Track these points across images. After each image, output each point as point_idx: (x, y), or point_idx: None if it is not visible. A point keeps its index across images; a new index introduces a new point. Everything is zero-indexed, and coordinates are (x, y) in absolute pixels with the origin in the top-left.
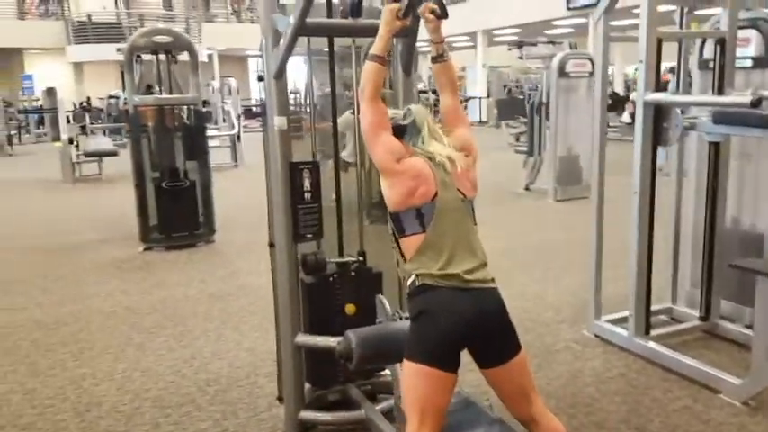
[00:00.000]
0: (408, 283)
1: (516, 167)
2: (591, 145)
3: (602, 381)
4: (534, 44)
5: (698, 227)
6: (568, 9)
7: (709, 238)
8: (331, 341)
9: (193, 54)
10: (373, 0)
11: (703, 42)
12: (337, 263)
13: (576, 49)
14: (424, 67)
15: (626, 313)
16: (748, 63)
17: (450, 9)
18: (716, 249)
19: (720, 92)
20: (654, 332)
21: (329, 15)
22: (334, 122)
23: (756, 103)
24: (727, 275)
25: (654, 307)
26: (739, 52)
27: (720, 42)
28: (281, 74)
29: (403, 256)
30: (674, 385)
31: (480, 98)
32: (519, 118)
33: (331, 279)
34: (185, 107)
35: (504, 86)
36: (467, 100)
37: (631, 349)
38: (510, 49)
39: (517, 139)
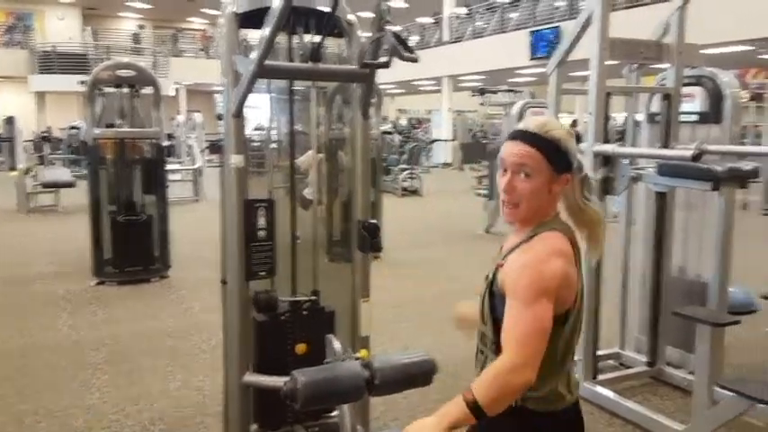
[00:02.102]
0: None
1: (478, 210)
2: None
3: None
4: (495, 92)
5: (646, 274)
6: (531, 59)
7: (655, 286)
8: (278, 381)
9: (156, 88)
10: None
11: (652, 97)
12: (290, 302)
13: (535, 97)
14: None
15: (575, 358)
16: (694, 118)
17: (419, 54)
18: (662, 297)
19: (666, 144)
20: (602, 377)
21: (290, 59)
22: (291, 161)
23: (697, 157)
24: (672, 322)
25: (603, 352)
26: (686, 107)
27: (666, 97)
28: (239, 113)
29: None
30: (618, 430)
31: (445, 141)
32: (482, 161)
33: (283, 318)
34: (146, 140)
35: (470, 130)
36: (432, 142)
37: (580, 394)
38: (473, 95)
39: (480, 182)
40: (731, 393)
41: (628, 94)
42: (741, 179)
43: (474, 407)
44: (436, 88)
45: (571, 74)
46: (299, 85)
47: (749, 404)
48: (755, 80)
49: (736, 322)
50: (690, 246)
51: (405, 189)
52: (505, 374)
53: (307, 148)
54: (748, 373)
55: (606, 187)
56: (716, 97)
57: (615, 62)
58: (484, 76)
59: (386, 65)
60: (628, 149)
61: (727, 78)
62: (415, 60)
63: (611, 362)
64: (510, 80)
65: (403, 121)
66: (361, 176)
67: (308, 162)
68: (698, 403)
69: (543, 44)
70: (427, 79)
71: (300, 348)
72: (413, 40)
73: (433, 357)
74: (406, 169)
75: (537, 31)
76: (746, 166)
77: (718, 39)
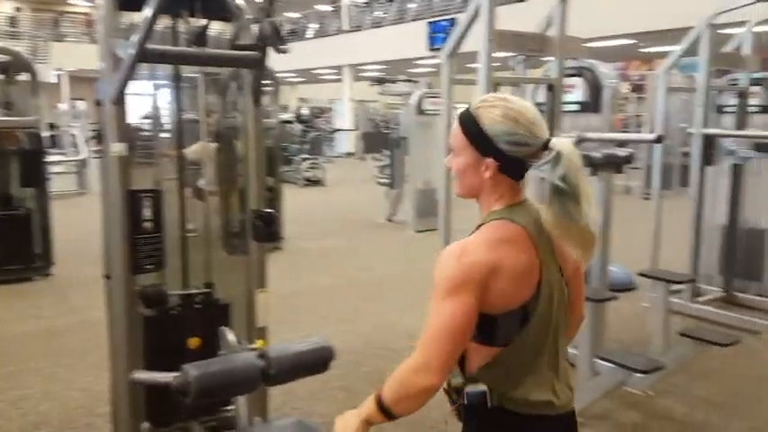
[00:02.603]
0: None
1: (380, 199)
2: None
3: (448, 404)
4: (393, 81)
5: None
6: (430, 50)
7: None
8: (168, 376)
9: (33, 74)
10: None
11: (537, 87)
12: (181, 295)
13: (432, 87)
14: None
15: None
16: (576, 107)
17: (317, 43)
18: None
19: (551, 133)
20: None
21: (175, 43)
22: (179, 150)
23: (576, 144)
24: None
25: None
26: (569, 97)
27: (550, 88)
28: (119, 99)
29: None
30: None
31: (348, 131)
32: (384, 151)
33: (173, 312)
34: (23, 130)
35: (372, 120)
36: (334, 132)
37: None
38: (371, 85)
39: (382, 172)
40: (610, 365)
41: (515, 84)
42: (617, 164)
43: (380, 404)
44: (337, 77)
45: (468, 65)
46: (190, 72)
47: (627, 374)
48: (637, 72)
49: (614, 298)
50: None
51: (307, 179)
52: (408, 374)
53: (199, 137)
54: (628, 347)
55: None
56: (595, 88)
57: (504, 54)
58: (384, 66)
59: (256, 48)
60: None
61: (605, 70)
62: (285, 52)
63: None
64: (410, 70)
65: (305, 111)
66: (254, 165)
67: (200, 152)
68: (581, 375)
69: (440, 35)
70: (328, 68)
71: (193, 342)
72: (311, 27)
73: (330, 344)
74: (308, 159)
75: (434, 21)
76: (622, 152)
77: (602, 33)
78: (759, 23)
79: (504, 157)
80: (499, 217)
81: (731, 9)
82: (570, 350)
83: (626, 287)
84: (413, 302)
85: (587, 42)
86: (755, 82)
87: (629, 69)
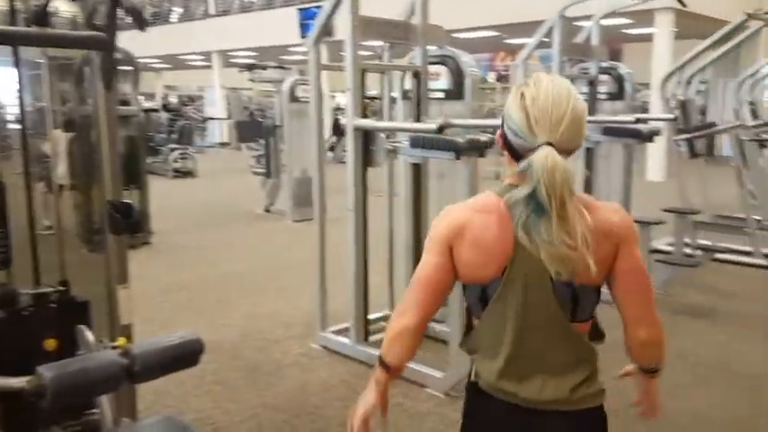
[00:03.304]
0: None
1: (257, 189)
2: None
3: (327, 389)
4: (264, 68)
5: (408, 240)
6: (301, 37)
7: (415, 249)
8: (22, 381)
9: None
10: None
11: (404, 75)
12: (33, 294)
13: (304, 74)
14: (159, 86)
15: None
16: (441, 95)
17: (183, 27)
18: None
19: (418, 119)
20: (373, 338)
21: (12, 22)
22: (24, 140)
23: (440, 130)
24: None
25: (376, 314)
26: (434, 85)
27: (416, 75)
28: None
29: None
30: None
31: (220, 119)
32: (259, 140)
33: (25, 312)
34: None
35: (246, 108)
36: (204, 121)
37: (353, 356)
38: (240, 71)
39: (258, 162)
40: None
41: (382, 71)
42: (479, 149)
43: (380, 357)
44: (207, 64)
45: (343, 53)
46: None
47: None
48: (502, 63)
49: None
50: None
51: (177, 170)
52: (392, 318)
53: (54, 126)
54: None
55: (369, 160)
56: (458, 76)
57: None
58: (256, 53)
59: (103, 28)
60: (382, 123)
61: (467, 59)
62: (143, 29)
63: (384, 323)
64: (284, 57)
65: (173, 99)
66: (108, 154)
67: (51, 143)
68: (454, 350)
69: (312, 22)
70: (196, 54)
71: (50, 344)
72: (176, 11)
73: (198, 337)
74: (176, 149)
75: (305, 8)
76: (484, 137)
77: (469, 24)
78: (604, 17)
79: (508, 139)
80: (495, 190)
81: (579, 2)
82: (445, 328)
83: None
84: (291, 292)
85: (456, 33)
86: (604, 71)
87: (496, 60)
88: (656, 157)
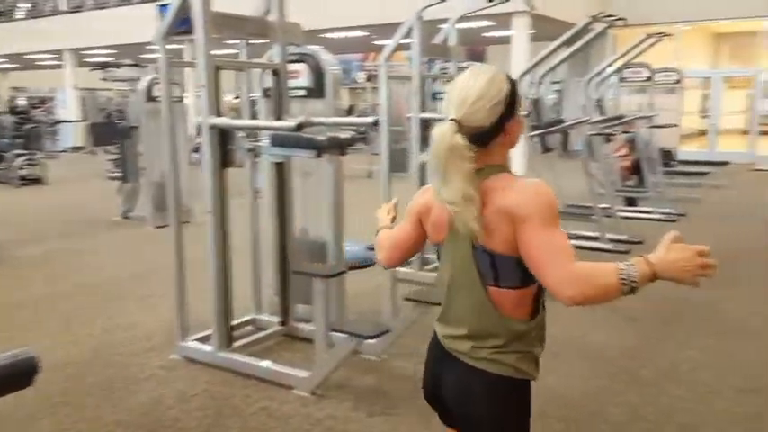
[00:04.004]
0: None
1: (114, 195)
2: (185, 170)
3: (186, 400)
4: (118, 66)
5: (273, 240)
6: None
7: (281, 250)
8: None
9: None
10: None
11: (264, 73)
12: None
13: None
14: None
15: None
16: (302, 93)
17: (30, 24)
18: (289, 259)
19: (279, 118)
20: (238, 343)
21: None
22: None
23: (299, 128)
24: (299, 281)
25: (240, 319)
26: (294, 83)
27: (275, 73)
28: None
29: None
30: (253, 390)
31: (74, 122)
32: (116, 143)
33: None
34: None
35: (104, 110)
36: (55, 124)
37: (216, 364)
38: (92, 71)
39: (116, 166)
40: (342, 334)
41: (240, 69)
42: (341, 147)
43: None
44: (58, 63)
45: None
46: None
47: (358, 341)
48: (372, 63)
49: (342, 273)
50: (310, 209)
51: (23, 178)
52: (376, 243)
53: None
54: (366, 317)
55: (226, 160)
56: (319, 74)
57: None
58: (114, 51)
59: None
60: (239, 122)
61: (327, 57)
62: None
63: (249, 328)
64: (144, 56)
65: (22, 101)
66: None
67: None
68: (318, 348)
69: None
70: (46, 53)
71: None
72: (22, 7)
73: (33, 355)
74: (23, 155)
75: (164, 5)
76: (345, 135)
77: (340, 24)
78: (460, 19)
79: None
80: None
81: (435, 3)
82: (307, 325)
83: (367, 263)
84: (152, 301)
85: (326, 33)
86: (462, 71)
87: (367, 60)
88: (515, 152)
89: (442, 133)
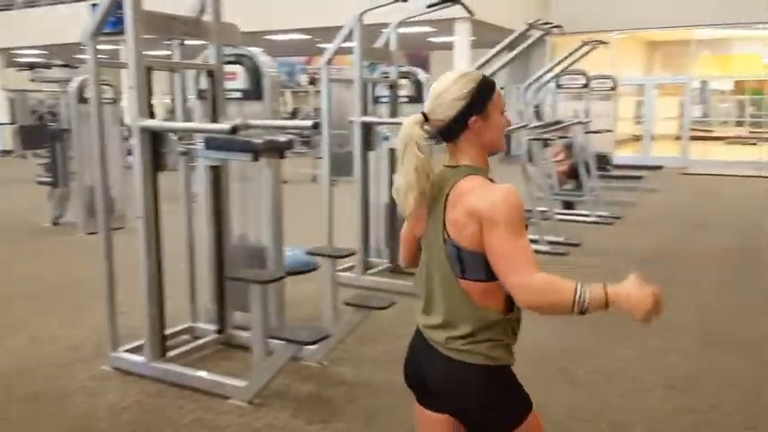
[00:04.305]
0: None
1: (44, 201)
2: (119, 174)
3: (117, 413)
4: (48, 66)
5: (210, 246)
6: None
7: (218, 256)
8: None
9: None
10: None
11: (200, 74)
12: None
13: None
14: None
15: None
16: (239, 95)
17: None
18: (226, 265)
19: (215, 120)
20: (172, 353)
21: None
22: None
23: (234, 131)
24: (237, 288)
25: (176, 328)
26: (231, 85)
27: (211, 74)
28: None
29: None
30: (187, 401)
31: (2, 125)
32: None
33: None
34: None
35: (35, 112)
36: None
37: (149, 375)
38: (19, 71)
39: (48, 170)
40: (281, 341)
41: (173, 69)
42: (279, 150)
43: None
44: None
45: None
46: None
47: (296, 348)
48: (314, 66)
49: (279, 279)
50: (249, 214)
51: None
52: None
53: None
54: (306, 323)
55: (158, 163)
56: (256, 76)
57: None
58: (46, 51)
59: None
60: (171, 124)
61: (265, 59)
62: None
63: (185, 336)
64: (78, 56)
65: None
66: None
67: None
68: (256, 356)
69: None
70: None
71: None
72: None
73: None
74: None
75: (96, 4)
76: (282, 138)
77: (283, 26)
78: (400, 24)
79: None
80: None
81: (375, 7)
82: (245, 333)
83: (309, 268)
84: (83, 311)
85: (269, 35)
86: (403, 75)
87: (311, 63)
88: None
89: (407, 123)
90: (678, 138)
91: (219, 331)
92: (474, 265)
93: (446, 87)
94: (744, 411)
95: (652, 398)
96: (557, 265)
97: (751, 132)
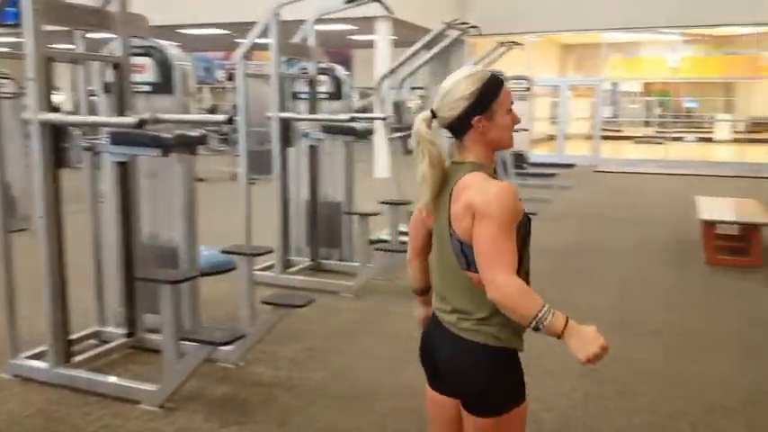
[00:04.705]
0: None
1: None
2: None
3: (18, 422)
4: None
5: (118, 246)
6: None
7: (127, 257)
8: None
9: None
10: None
11: (105, 66)
12: None
13: None
14: None
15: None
16: (148, 88)
17: None
18: (136, 266)
19: (122, 114)
20: (78, 358)
21: None
22: None
23: (141, 124)
24: (148, 289)
25: (82, 333)
26: (139, 78)
27: (117, 67)
28: None
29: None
30: (94, 407)
31: None
32: None
33: None
34: None
35: None
36: None
37: (52, 381)
38: None
39: None
40: (194, 343)
41: (75, 61)
42: (190, 145)
43: None
44: None
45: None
46: None
47: (210, 349)
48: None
49: (190, 278)
50: (160, 213)
51: None
52: None
53: None
54: (223, 323)
55: (61, 159)
56: (165, 69)
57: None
58: None
59: None
60: (72, 118)
61: (174, 51)
62: None
63: (92, 341)
64: None
65: None
66: None
67: None
68: (167, 359)
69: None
70: None
71: None
72: None
73: None
74: None
75: None
76: (194, 133)
77: (198, 20)
78: (318, 21)
79: None
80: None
81: (291, 2)
82: (156, 336)
83: (227, 268)
84: None
85: (185, 29)
86: (322, 71)
87: (230, 59)
88: (381, 155)
89: (417, 120)
90: (590, 137)
91: (129, 335)
92: (474, 258)
93: (451, 86)
94: (648, 396)
95: (565, 386)
96: None
97: (658, 132)
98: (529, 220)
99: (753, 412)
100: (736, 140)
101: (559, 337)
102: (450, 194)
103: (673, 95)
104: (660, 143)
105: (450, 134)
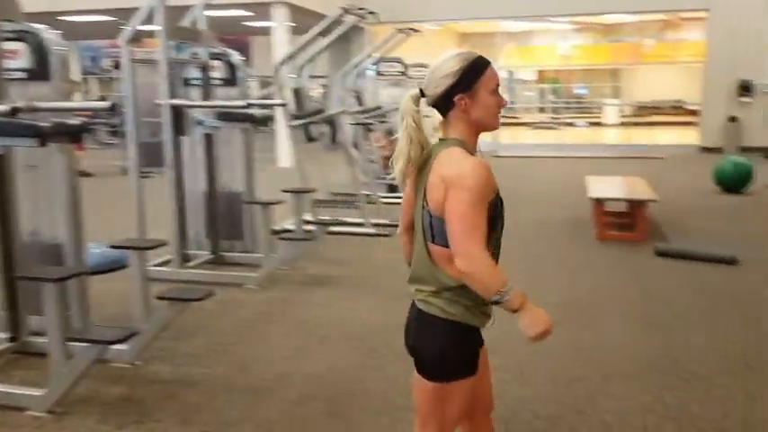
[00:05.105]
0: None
1: None
2: None
3: None
4: None
5: None
6: None
7: (5, 254)
8: None
9: None
10: None
11: None
12: None
13: None
14: None
15: None
16: (23, 75)
17: None
18: (17, 266)
19: None
20: None
21: None
22: None
23: (14, 113)
24: (31, 290)
25: None
26: (13, 64)
27: None
28: None
29: None
30: None
31: None
32: None
33: None
34: None
35: None
36: None
37: None
38: None
39: None
40: (83, 344)
41: None
42: (71, 134)
43: None
44: None
45: None
46: None
47: (100, 349)
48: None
49: (75, 275)
50: (41, 208)
51: None
52: None
53: None
54: (116, 322)
55: None
56: (41, 54)
57: None
58: None
59: None
60: None
61: (50, 35)
62: None
63: None
64: None
65: None
66: None
67: None
68: (54, 362)
69: None
70: None
71: None
72: None
73: None
74: None
75: None
76: (74, 121)
77: (81, 7)
78: (207, 6)
79: None
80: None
81: None
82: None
83: (120, 265)
84: None
85: (67, 16)
86: (215, 57)
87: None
88: (284, 144)
89: (405, 97)
90: None
91: (13, 339)
92: (440, 230)
93: (438, 65)
94: (545, 366)
95: None
96: (382, 246)
97: (552, 118)
98: (501, 202)
99: (648, 378)
100: (623, 124)
101: (515, 311)
102: (430, 169)
103: (564, 82)
104: (554, 128)
105: (437, 112)
